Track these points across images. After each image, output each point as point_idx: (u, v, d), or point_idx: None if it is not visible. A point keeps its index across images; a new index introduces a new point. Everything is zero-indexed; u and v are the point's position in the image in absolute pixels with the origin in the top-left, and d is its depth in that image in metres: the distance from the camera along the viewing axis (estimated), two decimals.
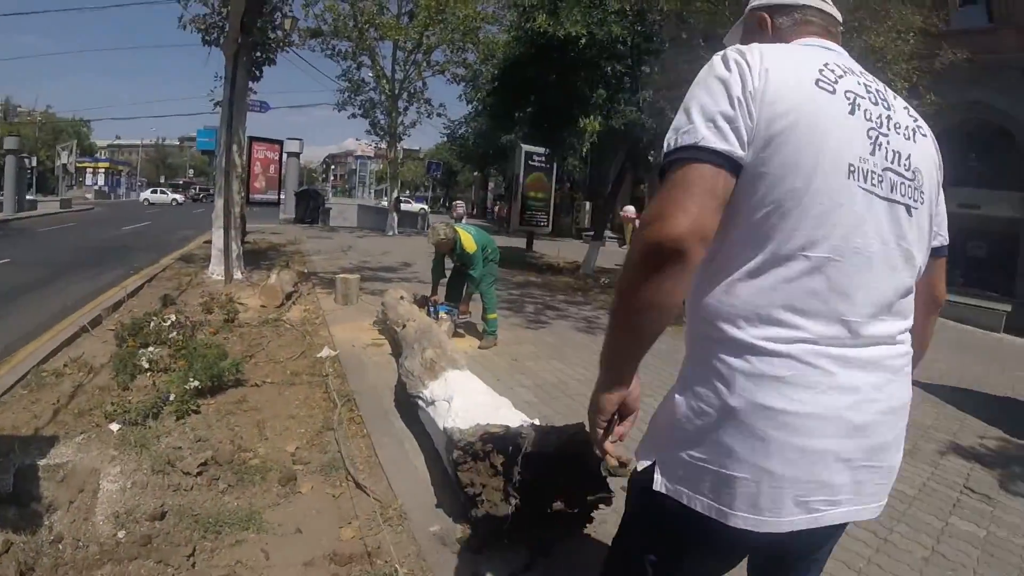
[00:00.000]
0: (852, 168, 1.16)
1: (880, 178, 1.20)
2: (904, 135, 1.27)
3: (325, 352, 6.24)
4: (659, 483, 1.25)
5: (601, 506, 2.98)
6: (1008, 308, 14.55)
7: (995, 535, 3.90)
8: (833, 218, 1.15)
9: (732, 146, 1.13)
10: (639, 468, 1.32)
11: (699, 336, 1.25)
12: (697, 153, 1.14)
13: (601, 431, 1.30)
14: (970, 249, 16.88)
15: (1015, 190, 15.98)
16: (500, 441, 2.94)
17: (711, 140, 1.13)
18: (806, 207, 1.14)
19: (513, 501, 2.79)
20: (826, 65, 1.23)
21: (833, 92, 1.19)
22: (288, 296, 8.62)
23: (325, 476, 3.80)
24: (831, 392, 1.15)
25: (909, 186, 1.25)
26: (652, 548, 1.33)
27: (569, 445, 2.78)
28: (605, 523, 3.15)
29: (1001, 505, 4.38)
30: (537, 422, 3.33)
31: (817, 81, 1.19)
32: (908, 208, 1.24)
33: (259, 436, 4.29)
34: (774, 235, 1.15)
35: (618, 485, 3.26)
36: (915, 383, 1.32)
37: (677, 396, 1.26)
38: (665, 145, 1.19)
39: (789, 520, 1.16)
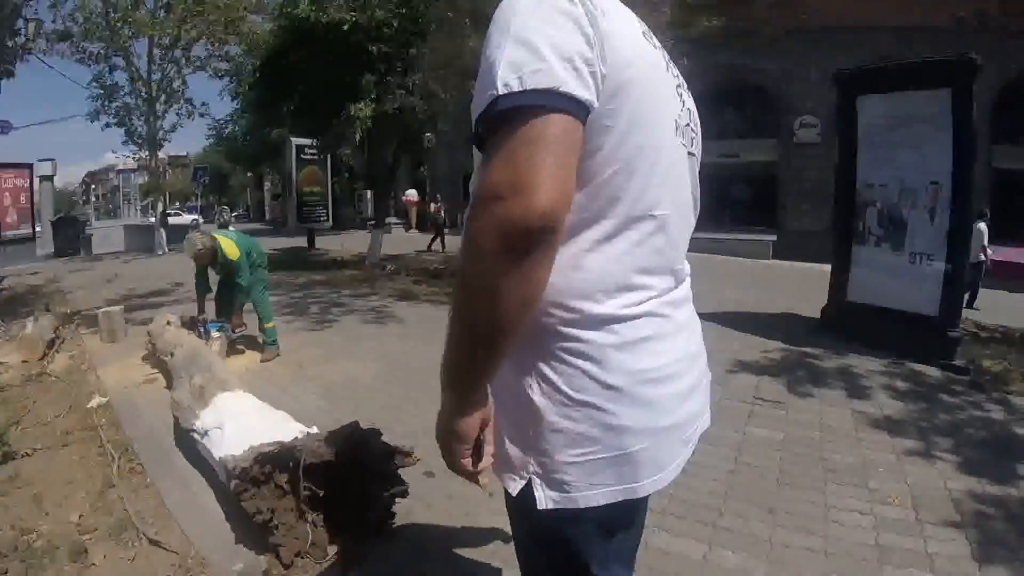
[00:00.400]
0: (676, 124, 1.15)
1: (683, 133, 1.19)
2: (687, 90, 1.26)
3: (95, 401, 5.45)
4: (543, 501, 1.09)
5: (399, 500, 2.83)
6: (774, 238, 17.02)
7: (792, 435, 4.25)
8: (671, 175, 1.13)
9: (592, 95, 0.96)
10: (511, 492, 1.13)
11: (545, 321, 1.06)
12: (556, 100, 0.92)
13: (467, 460, 1.10)
14: (734, 192, 19.51)
15: (769, 137, 18.71)
16: (278, 459, 2.69)
17: (572, 85, 0.93)
18: (651, 165, 1.07)
19: (309, 517, 2.57)
20: (636, 18, 1.13)
21: (655, 46, 1.13)
22: (50, 344, 7.50)
23: (116, 540, 3.32)
24: (677, 333, 1.17)
25: (696, 139, 1.26)
26: (555, 565, 1.20)
27: (347, 447, 2.66)
28: (411, 514, 3.02)
29: (793, 406, 4.81)
30: (315, 430, 3.11)
31: (644, 32, 1.11)
32: (698, 160, 1.28)
33: (39, 512, 3.68)
34: (623, 196, 1.04)
35: (416, 474, 3.14)
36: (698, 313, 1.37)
37: (535, 399, 1.07)
38: (497, 86, 0.92)
39: (677, 463, 1.18)
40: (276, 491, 2.68)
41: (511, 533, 1.30)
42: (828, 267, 7.78)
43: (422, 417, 4.00)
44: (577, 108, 0.93)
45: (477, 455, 1.10)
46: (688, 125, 1.21)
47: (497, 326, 0.94)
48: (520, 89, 0.91)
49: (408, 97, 12.37)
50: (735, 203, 19.24)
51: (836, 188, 7.72)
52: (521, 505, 1.11)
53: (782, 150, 18.70)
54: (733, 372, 5.60)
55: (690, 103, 1.25)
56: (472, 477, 1.11)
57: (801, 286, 10.73)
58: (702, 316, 1.31)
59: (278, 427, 3.18)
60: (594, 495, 1.08)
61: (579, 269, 1.03)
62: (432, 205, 20.01)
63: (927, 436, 4.41)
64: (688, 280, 1.26)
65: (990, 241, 11.04)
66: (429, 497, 3.20)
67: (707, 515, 3.19)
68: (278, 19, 14.74)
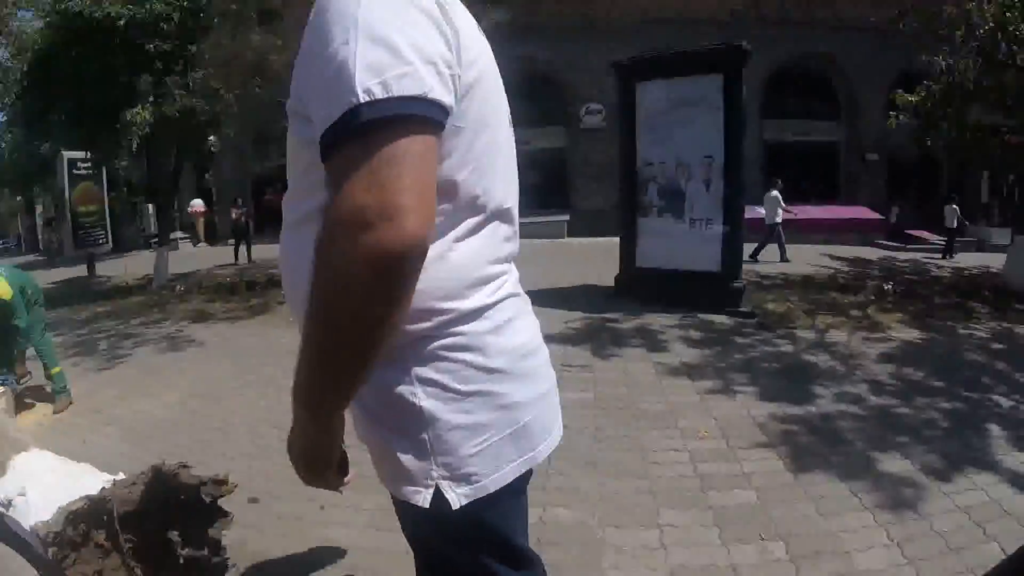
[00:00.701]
0: (508, 117, 1.16)
1: (510, 123, 1.19)
2: None
3: None
4: (456, 500, 1.04)
5: (226, 531, 2.59)
6: (567, 217, 18.12)
7: (602, 393, 4.42)
8: (510, 167, 1.15)
9: (452, 100, 0.89)
10: (418, 504, 1.05)
11: (417, 327, 1.00)
12: (423, 108, 0.82)
13: (336, 480, 1.09)
14: (529, 177, 19.81)
15: (558, 124, 19.86)
16: (90, 516, 2.34)
17: (439, 92, 0.85)
18: (497, 160, 1.08)
19: (138, 571, 2.28)
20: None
21: (484, 37, 1.08)
22: None
23: None
24: (528, 308, 1.23)
25: None
26: (490, 559, 1.17)
27: (158, 488, 2.38)
28: (245, 544, 2.73)
29: (599, 368, 5.01)
30: (121, 476, 2.77)
31: (477, 24, 1.08)
32: None
33: None
34: (475, 194, 1.03)
35: (240, 502, 2.90)
36: None
37: (424, 404, 1.02)
38: (357, 93, 0.80)
39: (559, 423, 1.24)
40: (98, 550, 2.31)
41: (416, 550, 1.25)
42: (618, 239, 8.35)
43: (234, 442, 3.66)
44: (441, 115, 0.86)
45: (342, 471, 1.11)
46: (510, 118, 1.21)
47: (362, 354, 0.87)
48: (385, 96, 0.80)
49: (189, 98, 11.33)
50: (529, 188, 19.73)
51: (620, 167, 8.29)
52: (433, 514, 1.06)
53: (570, 136, 19.98)
54: None
55: None
56: (336, 488, 1.12)
57: (595, 259, 11.34)
58: None
59: (83, 481, 2.75)
60: (502, 475, 1.08)
61: (445, 271, 1.00)
62: (234, 212, 17.40)
63: (725, 375, 4.85)
64: None
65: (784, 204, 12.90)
66: (259, 523, 2.93)
67: (535, 480, 3.23)
68: (49, 16, 12.77)
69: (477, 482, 1.06)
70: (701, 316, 6.81)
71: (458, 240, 1.02)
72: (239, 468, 2.99)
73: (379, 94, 0.80)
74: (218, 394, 4.96)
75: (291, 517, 2.94)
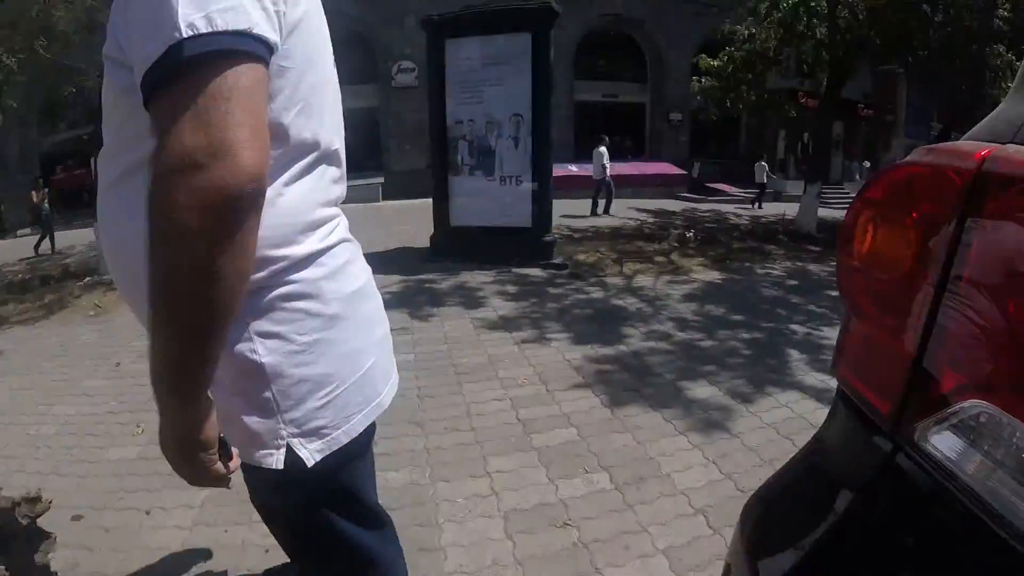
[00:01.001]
0: (333, 55, 1.12)
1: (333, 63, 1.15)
2: None
3: None
4: (310, 457, 1.03)
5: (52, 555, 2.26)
6: (381, 180, 17.63)
7: (422, 353, 4.31)
8: (336, 107, 1.12)
9: (278, 36, 0.85)
10: (272, 467, 1.01)
11: (253, 278, 0.92)
12: (249, 44, 0.78)
13: (219, 465, 0.94)
14: None
15: (371, 83, 18.99)
16: None
17: (264, 27, 0.81)
18: (323, 101, 1.04)
19: None
20: None
21: None
22: None
23: None
24: (359, 252, 1.19)
25: None
26: (344, 513, 1.18)
27: None
28: (78, 566, 2.32)
29: (418, 329, 4.88)
30: None
31: None
32: None
33: None
34: (304, 136, 0.98)
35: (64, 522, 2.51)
36: None
37: (265, 360, 0.98)
38: (180, 27, 0.74)
39: (395, 365, 1.24)
40: None
41: (271, 522, 1.26)
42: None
43: (46, 458, 3.16)
44: (266, 52, 0.82)
45: (225, 454, 0.96)
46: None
47: (219, 310, 0.80)
48: (210, 31, 0.75)
49: None
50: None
51: (430, 126, 8.13)
52: (289, 477, 1.03)
53: (382, 95, 19.24)
54: None
55: None
56: (223, 481, 0.97)
57: (411, 221, 11.18)
58: None
59: None
60: (353, 426, 1.07)
61: (275, 216, 0.93)
62: (34, 194, 14.01)
63: (540, 324, 4.94)
64: None
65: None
66: (87, 541, 2.51)
67: None
68: None
69: (328, 435, 1.04)
70: (516, 271, 6.93)
71: (287, 184, 0.97)
72: (55, 485, 2.63)
73: (203, 28, 0.75)
74: (21, 406, 4.29)
75: (120, 529, 2.60)
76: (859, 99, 23.16)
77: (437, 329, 4.92)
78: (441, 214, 7.93)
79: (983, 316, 0.64)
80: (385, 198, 17.10)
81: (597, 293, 6.07)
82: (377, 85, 19.29)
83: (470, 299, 5.83)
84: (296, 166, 0.99)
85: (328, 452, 1.04)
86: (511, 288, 6.22)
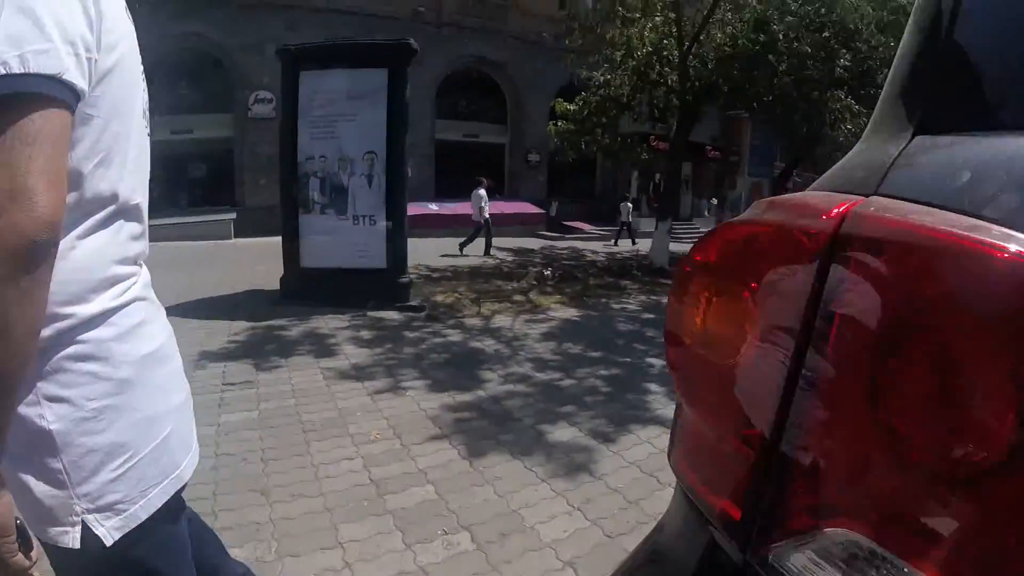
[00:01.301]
0: (143, 107, 1.09)
1: (146, 115, 1.12)
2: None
3: None
4: (108, 535, 0.95)
5: None
6: (234, 215, 16.54)
7: (267, 410, 3.97)
8: (140, 161, 1.07)
9: (86, 84, 0.84)
10: (68, 546, 0.93)
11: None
12: (58, 89, 0.78)
13: (18, 555, 0.85)
14: (190, 171, 18.37)
15: (226, 112, 18.01)
16: None
17: (74, 73, 0.80)
18: (126, 153, 1.00)
19: None
20: None
21: (130, 18, 1.04)
22: None
23: None
24: (159, 313, 1.14)
25: (149, 121, 1.16)
26: None
27: None
28: None
29: (263, 383, 4.47)
30: None
31: (125, 6, 1.02)
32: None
33: None
34: (101, 188, 0.94)
35: None
36: None
37: (53, 427, 0.90)
38: None
39: (195, 435, 1.19)
40: None
41: None
42: None
43: None
44: (74, 99, 0.82)
45: (25, 543, 0.89)
46: (148, 106, 1.15)
47: (10, 368, 0.78)
48: (21, 71, 0.75)
49: None
50: (191, 183, 18.27)
51: (280, 161, 7.78)
52: (88, 557, 0.96)
53: (238, 125, 18.20)
54: (200, 364, 4.91)
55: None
56: (26, 573, 0.89)
57: (265, 260, 10.43)
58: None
59: None
60: (150, 500, 1.01)
61: (66, 271, 0.89)
62: None
63: (394, 372, 4.74)
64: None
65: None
66: None
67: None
68: None
69: (124, 511, 0.98)
70: (371, 314, 6.70)
71: (81, 237, 0.93)
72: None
73: (16, 68, 0.75)
74: None
75: None
76: (707, 141, 25.19)
77: (284, 382, 4.57)
78: (292, 254, 7.49)
79: (845, 412, 0.51)
80: (238, 235, 15.95)
81: (455, 336, 5.97)
82: (233, 115, 18.20)
83: (321, 347, 5.51)
84: (91, 219, 0.95)
85: (127, 529, 0.98)
86: (365, 333, 5.97)
